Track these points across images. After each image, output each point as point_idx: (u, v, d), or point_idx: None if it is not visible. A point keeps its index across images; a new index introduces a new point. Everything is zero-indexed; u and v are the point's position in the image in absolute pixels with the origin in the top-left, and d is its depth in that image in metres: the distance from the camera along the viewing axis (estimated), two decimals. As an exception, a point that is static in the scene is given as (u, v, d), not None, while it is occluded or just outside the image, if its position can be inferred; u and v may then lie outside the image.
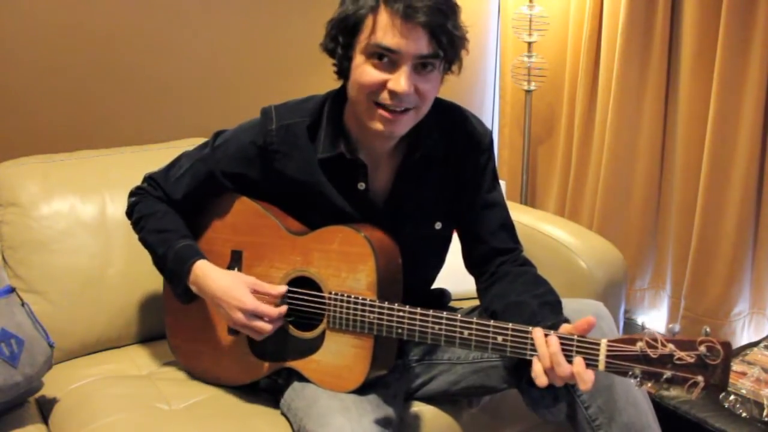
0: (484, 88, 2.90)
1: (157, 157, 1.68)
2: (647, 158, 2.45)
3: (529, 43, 2.58)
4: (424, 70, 1.28)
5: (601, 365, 1.16)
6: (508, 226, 1.51)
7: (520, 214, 2.02)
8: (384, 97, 1.28)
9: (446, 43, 1.26)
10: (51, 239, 1.71)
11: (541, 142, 2.83)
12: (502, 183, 1.57)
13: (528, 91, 2.65)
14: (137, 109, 2.13)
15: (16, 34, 1.92)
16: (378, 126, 1.31)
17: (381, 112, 1.29)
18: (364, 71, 1.27)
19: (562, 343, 1.18)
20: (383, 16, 1.24)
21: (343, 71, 1.33)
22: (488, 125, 1.51)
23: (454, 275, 1.59)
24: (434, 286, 1.63)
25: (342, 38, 1.29)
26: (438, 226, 1.49)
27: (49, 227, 1.71)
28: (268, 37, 2.32)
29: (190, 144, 1.64)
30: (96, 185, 1.79)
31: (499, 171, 2.85)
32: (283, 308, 1.38)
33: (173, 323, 1.60)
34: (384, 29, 1.24)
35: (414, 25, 1.23)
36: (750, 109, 2.14)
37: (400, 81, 1.25)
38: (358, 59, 1.28)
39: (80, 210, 1.75)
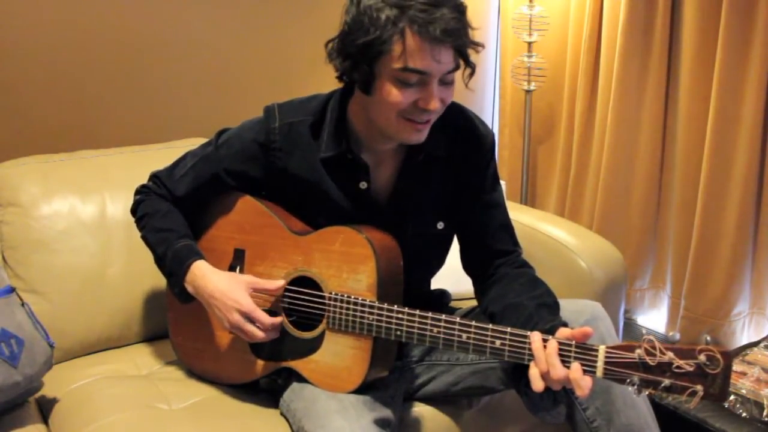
0: (484, 88, 2.90)
1: (158, 157, 1.69)
2: (647, 158, 2.44)
3: (529, 43, 2.58)
4: (447, 81, 1.30)
5: (599, 372, 1.16)
6: (507, 228, 1.52)
7: (520, 214, 2.02)
8: (414, 112, 1.29)
9: (468, 55, 1.29)
10: (51, 239, 1.71)
11: (541, 142, 2.82)
12: (502, 183, 1.57)
13: (528, 91, 2.65)
14: (137, 109, 2.13)
15: (16, 34, 1.92)
16: (409, 137, 1.34)
17: (411, 125, 1.31)
18: (395, 93, 1.27)
19: (560, 349, 1.18)
20: (412, 41, 1.23)
21: (363, 88, 1.31)
22: (488, 125, 1.52)
23: (454, 275, 1.59)
24: (435, 286, 1.63)
25: (366, 64, 1.27)
26: (440, 225, 1.49)
27: (49, 227, 1.71)
28: (269, 36, 2.31)
29: (191, 144, 1.64)
30: (96, 185, 1.79)
31: (499, 171, 2.83)
32: (278, 319, 1.39)
33: (175, 321, 1.60)
34: (414, 53, 1.23)
35: (445, 47, 1.24)
36: (750, 109, 2.13)
37: (433, 100, 1.27)
38: (386, 81, 1.27)
39: (80, 210, 1.75)
